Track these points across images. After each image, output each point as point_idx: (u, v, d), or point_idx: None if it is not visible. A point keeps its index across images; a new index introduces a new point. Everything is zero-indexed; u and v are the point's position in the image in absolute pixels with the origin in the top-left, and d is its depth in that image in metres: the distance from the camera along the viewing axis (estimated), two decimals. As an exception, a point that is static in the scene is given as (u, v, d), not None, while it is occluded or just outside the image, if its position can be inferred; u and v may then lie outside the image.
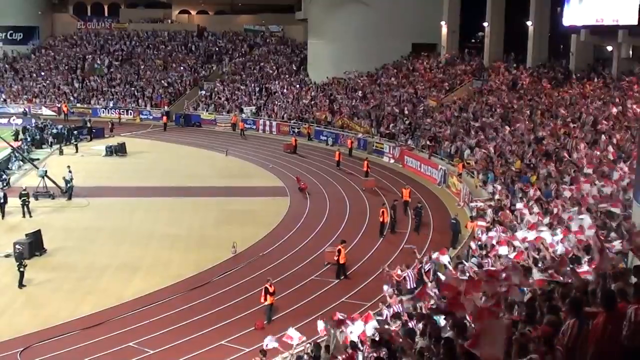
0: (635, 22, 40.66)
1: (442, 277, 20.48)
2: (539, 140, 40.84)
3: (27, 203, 40.30)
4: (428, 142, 51.58)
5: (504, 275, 13.59)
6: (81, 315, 27.38)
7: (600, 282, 12.23)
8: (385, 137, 58.54)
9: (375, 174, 50.67)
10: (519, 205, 30.06)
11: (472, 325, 11.97)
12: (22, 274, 29.91)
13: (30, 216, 40.00)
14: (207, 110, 75.92)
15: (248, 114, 72.89)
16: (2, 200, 40.00)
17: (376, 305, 24.98)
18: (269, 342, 20.74)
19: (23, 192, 40.61)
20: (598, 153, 33.30)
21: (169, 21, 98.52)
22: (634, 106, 39.16)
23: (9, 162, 52.04)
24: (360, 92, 68.93)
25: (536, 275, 15.83)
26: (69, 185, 44.08)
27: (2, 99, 79.97)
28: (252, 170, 53.30)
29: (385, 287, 24.37)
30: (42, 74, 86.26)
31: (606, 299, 9.09)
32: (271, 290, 26.77)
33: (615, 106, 40.48)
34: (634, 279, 11.67)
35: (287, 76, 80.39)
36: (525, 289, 14.89)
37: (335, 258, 31.24)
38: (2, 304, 28.51)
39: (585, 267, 15.86)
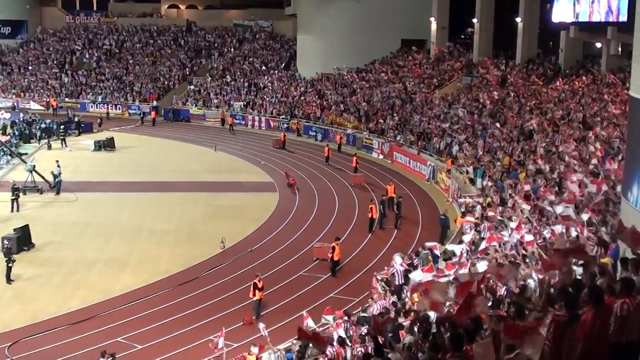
0: (625, 19, 40.78)
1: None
2: (527, 137, 40.97)
3: (17, 197, 40.19)
4: (417, 139, 51.65)
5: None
6: (69, 310, 27.33)
7: (588, 279, 12.26)
8: (374, 133, 58.56)
9: (364, 169, 50.68)
10: (508, 202, 30.23)
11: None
12: (9, 269, 29.85)
13: (18, 210, 39.89)
14: (195, 105, 75.76)
15: (237, 109, 72.79)
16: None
17: (365, 300, 25.07)
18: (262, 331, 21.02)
19: (14, 187, 40.49)
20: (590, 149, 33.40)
21: (158, 15, 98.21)
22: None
23: (-3, 157, 51.87)
24: (348, 88, 68.90)
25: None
26: (57, 179, 43.93)
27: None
28: (240, 166, 53.23)
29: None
30: (30, 68, 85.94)
31: (593, 294, 9.10)
32: (260, 285, 26.77)
33: (610, 103, 40.61)
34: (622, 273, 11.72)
35: (276, 71, 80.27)
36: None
37: (330, 255, 31.23)
38: (-10, 299, 28.46)
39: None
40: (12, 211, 39.69)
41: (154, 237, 36.27)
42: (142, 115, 73.24)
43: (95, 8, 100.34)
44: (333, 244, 31.33)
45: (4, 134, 59.69)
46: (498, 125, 45.41)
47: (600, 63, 49.78)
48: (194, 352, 23.75)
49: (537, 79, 53.05)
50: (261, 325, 21.86)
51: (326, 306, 23.71)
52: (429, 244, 28.10)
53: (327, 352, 17.45)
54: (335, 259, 31.05)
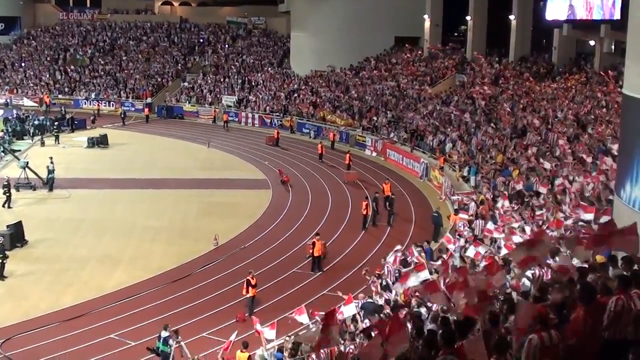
0: (618, 17, 40.89)
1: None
2: (520, 134, 41.04)
3: (8, 194, 40.08)
4: (410, 137, 51.70)
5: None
6: (62, 307, 27.25)
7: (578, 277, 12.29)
8: (367, 130, 58.56)
9: (358, 167, 50.72)
10: (499, 202, 30.31)
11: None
12: (2, 266, 29.79)
13: (10, 207, 39.80)
14: (189, 102, 75.65)
15: (230, 104, 72.69)
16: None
17: (357, 297, 25.04)
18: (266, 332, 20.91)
19: (5, 183, 40.38)
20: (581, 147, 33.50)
21: (152, 12, 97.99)
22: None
23: (-10, 153, 51.73)
24: (342, 85, 68.92)
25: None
26: (50, 176, 43.84)
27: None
28: (234, 163, 53.19)
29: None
30: (24, 64, 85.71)
31: (585, 292, 9.11)
32: (253, 282, 26.76)
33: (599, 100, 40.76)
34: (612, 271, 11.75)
35: (269, 68, 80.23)
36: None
37: (310, 251, 31.24)
38: (-17, 296, 28.37)
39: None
40: (4, 207, 39.59)
41: (147, 234, 36.21)
42: (122, 115, 70.40)
43: (88, 5, 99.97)
44: (313, 240, 31.34)
45: (-3, 130, 59.63)
46: (491, 123, 45.52)
47: (594, 61, 49.88)
48: (187, 349, 23.70)
49: (531, 76, 53.14)
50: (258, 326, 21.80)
51: (319, 303, 23.64)
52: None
53: (321, 351, 17.43)
54: (316, 254, 30.95)
